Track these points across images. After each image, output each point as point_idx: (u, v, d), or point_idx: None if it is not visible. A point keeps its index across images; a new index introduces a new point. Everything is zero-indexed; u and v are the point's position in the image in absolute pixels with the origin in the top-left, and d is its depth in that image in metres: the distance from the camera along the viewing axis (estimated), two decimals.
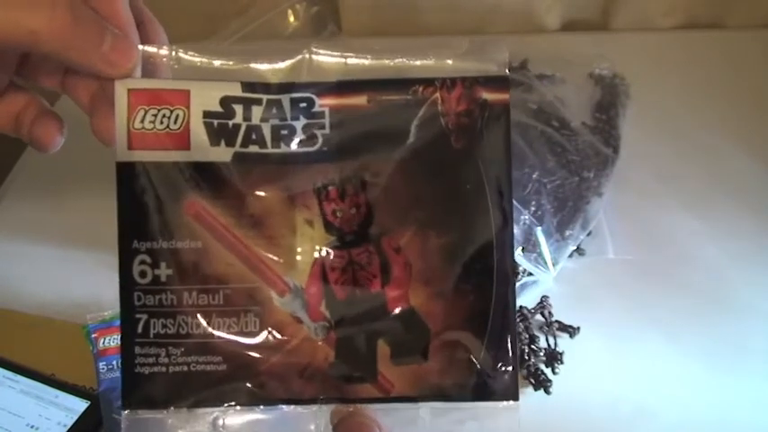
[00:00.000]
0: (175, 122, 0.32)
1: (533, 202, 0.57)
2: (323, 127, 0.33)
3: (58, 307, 0.57)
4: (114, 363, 0.50)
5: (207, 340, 0.33)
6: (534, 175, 0.58)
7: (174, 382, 0.33)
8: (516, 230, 0.55)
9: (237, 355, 0.33)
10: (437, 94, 0.33)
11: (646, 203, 0.63)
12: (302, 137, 0.33)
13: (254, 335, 0.33)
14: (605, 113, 0.69)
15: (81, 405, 0.50)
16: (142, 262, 0.33)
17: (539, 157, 0.60)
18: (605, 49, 0.76)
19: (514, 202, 0.55)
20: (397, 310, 0.33)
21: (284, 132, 0.33)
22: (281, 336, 0.33)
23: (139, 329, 0.33)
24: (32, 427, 0.49)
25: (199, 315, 0.33)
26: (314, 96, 0.33)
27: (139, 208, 0.33)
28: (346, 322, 0.33)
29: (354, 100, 0.33)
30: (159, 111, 0.32)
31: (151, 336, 0.33)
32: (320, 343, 0.33)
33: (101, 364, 0.50)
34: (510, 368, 0.33)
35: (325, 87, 0.33)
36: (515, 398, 0.33)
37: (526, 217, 0.56)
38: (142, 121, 0.32)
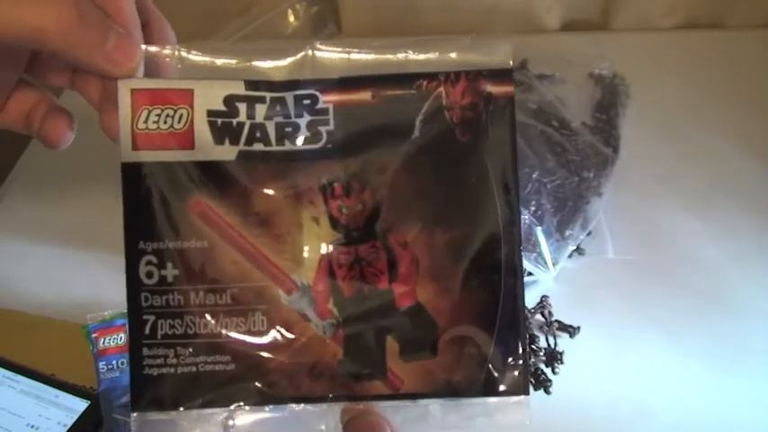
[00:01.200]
0: (179, 122, 0.32)
1: (533, 202, 0.57)
2: (327, 123, 0.33)
3: (58, 307, 0.57)
4: (114, 363, 0.50)
5: (215, 340, 0.33)
6: (534, 175, 0.58)
7: (182, 382, 0.32)
8: None
9: (246, 354, 0.33)
10: (441, 88, 0.33)
11: (646, 203, 0.64)
12: (306, 134, 0.33)
13: (261, 334, 0.33)
14: (605, 113, 0.69)
15: (81, 405, 0.50)
16: (148, 263, 0.32)
17: (539, 156, 0.60)
18: (605, 49, 0.76)
19: None
20: (404, 306, 0.33)
21: (288, 130, 0.33)
22: (289, 334, 0.33)
23: (147, 331, 0.32)
24: (32, 426, 0.49)
25: (206, 315, 0.33)
26: (317, 93, 0.33)
27: (145, 208, 0.33)
28: (354, 319, 0.33)
29: (358, 96, 0.33)
30: (163, 110, 0.32)
31: (159, 337, 0.32)
32: (328, 341, 0.33)
33: (101, 363, 0.50)
34: (520, 363, 0.33)
35: (329, 84, 0.33)
36: (526, 392, 0.33)
37: (526, 217, 0.56)
38: (146, 121, 0.32)
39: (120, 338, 0.52)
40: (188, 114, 0.32)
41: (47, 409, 0.50)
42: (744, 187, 0.65)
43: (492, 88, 0.33)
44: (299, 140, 0.33)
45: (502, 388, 0.33)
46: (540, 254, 0.56)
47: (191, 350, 0.32)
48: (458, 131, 0.33)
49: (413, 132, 0.33)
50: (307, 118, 0.33)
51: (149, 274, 0.32)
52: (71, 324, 0.54)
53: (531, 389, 0.50)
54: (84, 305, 0.54)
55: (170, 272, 0.32)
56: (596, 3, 0.84)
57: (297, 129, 0.33)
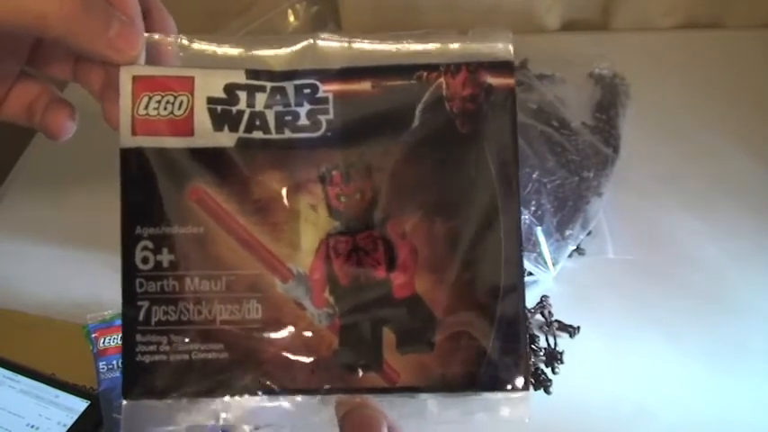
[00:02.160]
0: (179, 109, 0.32)
1: (533, 202, 0.57)
2: (327, 112, 0.33)
3: (58, 307, 0.57)
4: (114, 362, 0.50)
5: (208, 327, 0.32)
6: (534, 175, 0.58)
7: (175, 370, 0.32)
8: None
9: (239, 343, 0.32)
10: (441, 79, 0.33)
11: (646, 203, 0.64)
12: (306, 122, 0.33)
13: (256, 322, 0.33)
14: (605, 113, 0.69)
15: (81, 405, 0.50)
16: (144, 248, 0.32)
17: (539, 156, 0.60)
18: (605, 49, 0.76)
19: None
20: (402, 297, 0.33)
21: (288, 118, 0.33)
22: (284, 323, 0.33)
23: (141, 317, 0.32)
24: (32, 426, 0.49)
25: (200, 302, 0.32)
26: (317, 82, 0.33)
27: (142, 194, 0.33)
28: (351, 309, 0.33)
29: (358, 86, 0.33)
30: (163, 97, 0.32)
31: (153, 323, 0.32)
32: (324, 331, 0.33)
33: (101, 363, 0.50)
34: (520, 357, 0.32)
35: (329, 74, 0.33)
36: (525, 388, 0.33)
37: (526, 217, 0.56)
38: (146, 108, 0.32)
39: (120, 338, 0.52)
40: (188, 101, 0.32)
41: (47, 409, 0.50)
42: (744, 187, 0.65)
43: (492, 80, 0.33)
44: (299, 129, 0.33)
45: (501, 383, 0.32)
46: (540, 254, 0.56)
47: (184, 337, 0.32)
48: (458, 122, 0.33)
49: (413, 122, 0.33)
50: (306, 107, 0.33)
51: (145, 260, 0.32)
52: (71, 324, 0.54)
53: (531, 389, 0.50)
54: (84, 305, 0.54)
55: (165, 257, 0.32)
56: (596, 3, 0.84)
57: (296, 117, 0.33)
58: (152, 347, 0.32)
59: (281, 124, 0.33)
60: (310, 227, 0.33)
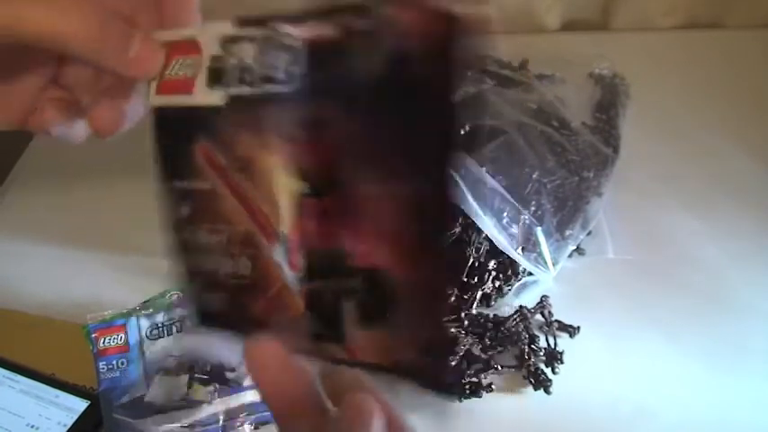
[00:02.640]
0: (190, 69, 0.34)
1: (533, 202, 0.57)
2: (298, 63, 0.31)
3: (58, 307, 0.57)
4: (114, 362, 0.51)
5: (214, 279, 0.35)
6: (534, 175, 0.58)
7: (203, 308, 0.36)
8: (516, 230, 0.55)
9: (236, 295, 0.34)
10: (400, 15, 0.27)
11: (646, 203, 0.64)
12: (282, 75, 0.31)
13: (245, 278, 0.34)
14: (605, 113, 0.69)
15: (81, 405, 0.50)
16: (172, 199, 0.35)
17: (539, 156, 0.60)
18: (605, 49, 0.76)
19: (514, 201, 0.55)
20: (363, 268, 0.31)
21: (268, 71, 0.32)
22: (267, 282, 0.34)
23: (180, 260, 0.36)
24: (32, 426, 0.49)
25: (207, 253, 0.35)
26: (292, 29, 0.31)
27: (167, 149, 0.35)
28: (315, 275, 0.33)
29: (323, 29, 0.30)
30: (185, 59, 0.34)
31: (186, 268, 0.36)
32: (296, 294, 0.33)
33: (101, 363, 0.50)
34: (451, 357, 0.31)
35: (302, 18, 0.30)
36: (451, 396, 0.31)
37: (526, 217, 0.56)
38: (171, 70, 0.34)
39: (120, 338, 0.52)
40: (197, 61, 0.34)
41: (47, 409, 0.50)
42: (744, 187, 0.65)
43: (460, 11, 0.26)
44: (275, 82, 0.31)
45: (438, 384, 0.30)
46: (540, 254, 0.56)
47: (198, 285, 0.35)
48: (418, 70, 0.28)
49: (371, 75, 0.29)
50: (283, 56, 0.31)
51: (175, 210, 0.35)
52: (71, 324, 0.54)
53: (531, 389, 0.51)
54: (84, 305, 0.54)
55: (184, 210, 0.35)
56: (596, 3, 0.84)
57: (275, 69, 0.32)
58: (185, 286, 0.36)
59: (263, 77, 0.32)
60: (283, 187, 0.32)
